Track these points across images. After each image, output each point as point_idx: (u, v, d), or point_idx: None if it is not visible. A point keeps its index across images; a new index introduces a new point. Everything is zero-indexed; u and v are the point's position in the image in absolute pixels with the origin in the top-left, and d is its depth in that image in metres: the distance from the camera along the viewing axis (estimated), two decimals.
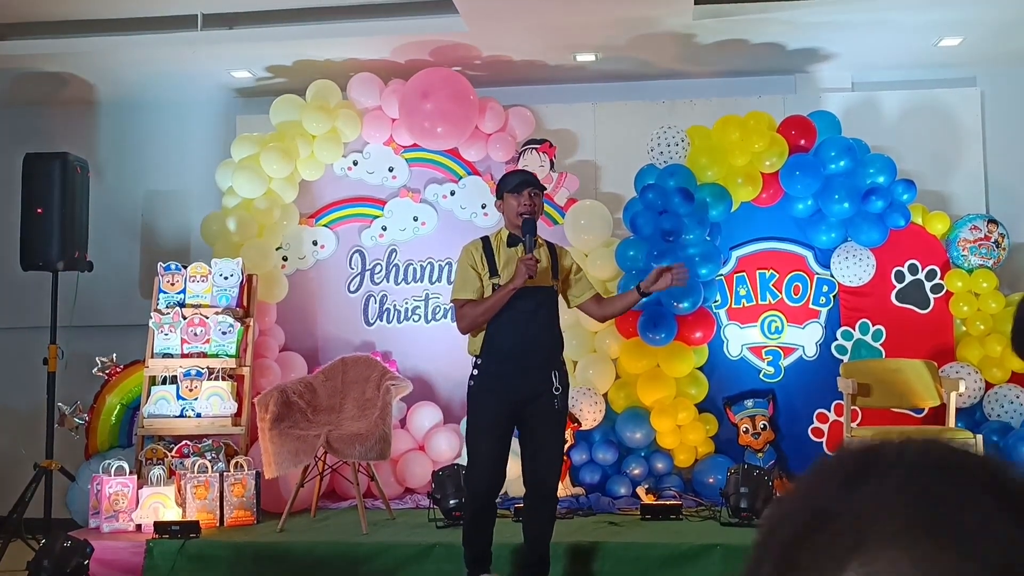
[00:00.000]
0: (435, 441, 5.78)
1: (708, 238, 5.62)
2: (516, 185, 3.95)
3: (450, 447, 5.73)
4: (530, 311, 3.90)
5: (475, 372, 3.95)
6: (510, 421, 3.94)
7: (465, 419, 4.31)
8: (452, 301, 4.05)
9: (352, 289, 6.27)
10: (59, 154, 5.49)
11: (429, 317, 6.19)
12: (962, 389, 5.17)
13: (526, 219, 3.91)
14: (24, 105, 6.76)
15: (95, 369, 5.76)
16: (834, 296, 5.81)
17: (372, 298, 6.23)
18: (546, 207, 6.09)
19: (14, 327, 6.59)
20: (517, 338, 3.89)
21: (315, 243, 6.22)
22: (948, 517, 0.50)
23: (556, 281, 4.04)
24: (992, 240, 5.65)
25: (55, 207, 5.41)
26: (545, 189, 4.21)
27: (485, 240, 4.06)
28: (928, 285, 5.73)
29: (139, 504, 4.89)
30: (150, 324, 5.51)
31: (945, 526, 0.50)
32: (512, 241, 3.98)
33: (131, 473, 5.02)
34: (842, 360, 5.62)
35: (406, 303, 6.21)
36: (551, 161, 6.10)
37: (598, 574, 4.32)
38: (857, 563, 0.50)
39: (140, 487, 4.95)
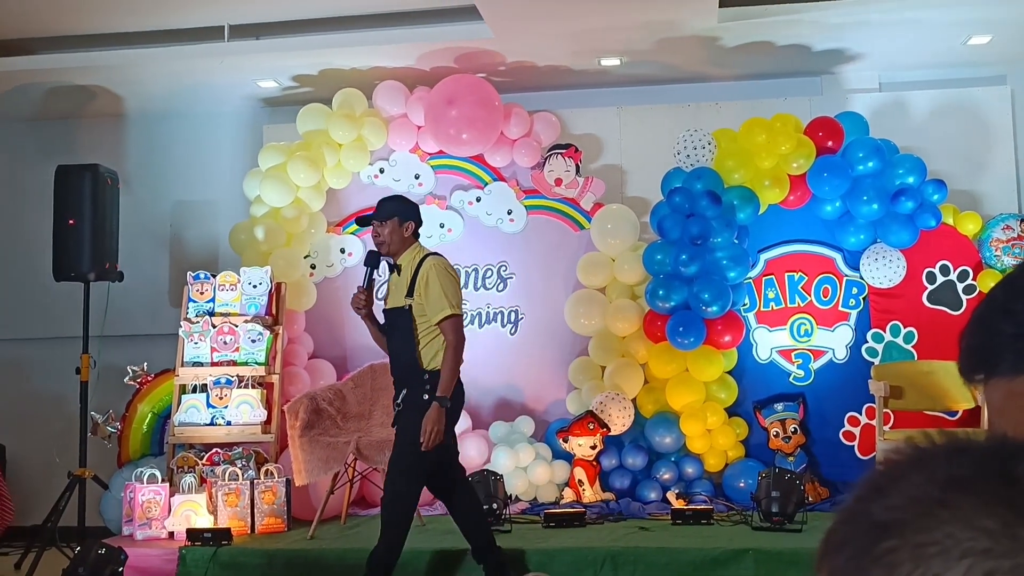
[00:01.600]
0: (464, 447, 5.76)
1: (736, 241, 5.59)
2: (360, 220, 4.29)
3: (479, 453, 5.73)
4: (387, 331, 4.18)
5: (427, 388, 4.07)
6: None
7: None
8: (451, 317, 4.09)
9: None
10: (90, 166, 5.56)
11: None
12: None
13: (370, 252, 4.21)
14: (55, 119, 6.85)
15: (126, 378, 5.81)
16: (864, 298, 5.76)
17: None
18: (572, 212, 6.11)
19: (47, 337, 6.66)
20: (392, 359, 4.20)
21: (343, 251, 6.25)
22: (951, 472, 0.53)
23: (410, 300, 4.10)
24: None
25: (86, 218, 5.47)
26: (377, 221, 4.20)
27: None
28: (960, 286, 5.67)
29: (171, 512, 4.93)
30: (180, 333, 5.55)
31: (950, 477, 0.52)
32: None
33: (163, 481, 5.06)
34: (873, 363, 5.57)
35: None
36: (577, 166, 6.10)
37: None
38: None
39: (172, 495, 4.99)
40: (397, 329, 4.11)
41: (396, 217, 4.16)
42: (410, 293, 4.07)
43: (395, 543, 4.02)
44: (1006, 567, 0.49)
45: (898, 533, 0.52)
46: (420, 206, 6.17)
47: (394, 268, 4.18)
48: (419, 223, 4.23)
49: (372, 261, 4.17)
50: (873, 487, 0.55)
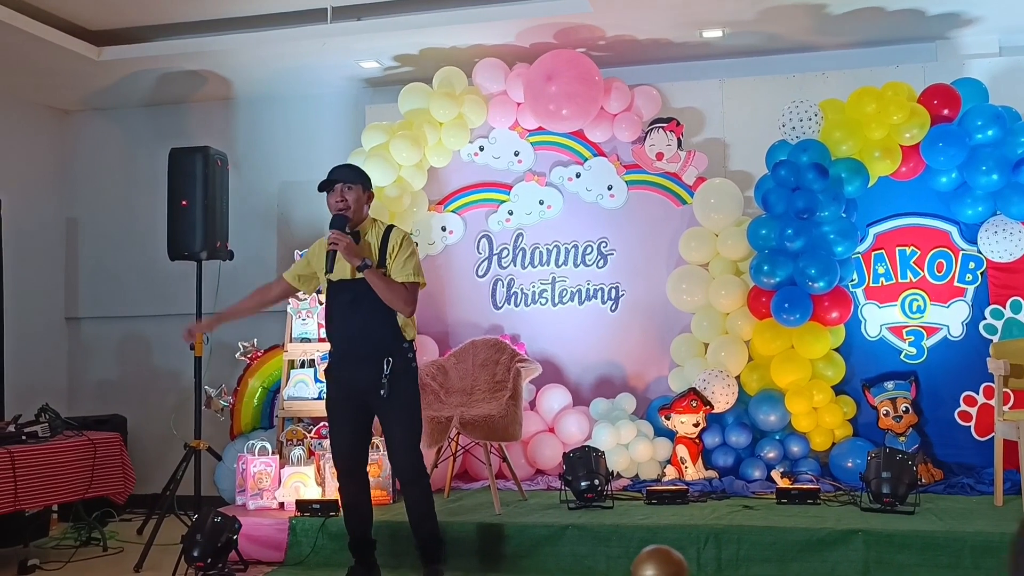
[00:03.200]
0: (564, 423, 5.80)
1: (844, 215, 5.43)
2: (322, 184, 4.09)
3: (580, 429, 5.73)
4: (341, 303, 4.05)
5: (410, 356, 4.08)
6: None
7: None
8: (419, 284, 4.07)
9: (480, 273, 6.33)
10: (200, 148, 5.73)
11: (556, 300, 6.19)
12: None
13: (337, 215, 4.02)
14: (168, 103, 7.10)
15: (238, 354, 6.02)
16: (982, 273, 5.52)
17: (500, 282, 6.28)
18: (674, 186, 6.02)
19: (163, 314, 6.94)
20: (338, 330, 4.08)
21: (444, 229, 6.31)
22: None
23: (382, 268, 4.02)
24: None
25: (198, 199, 5.65)
26: (345, 184, 4.09)
27: None
28: None
29: (281, 483, 5.08)
30: (288, 310, 5.71)
31: None
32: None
33: (273, 453, 5.22)
34: (991, 340, 5.34)
35: (533, 287, 6.23)
36: (678, 140, 6.00)
37: (734, 558, 4.24)
38: None
39: (282, 467, 5.14)
40: (364, 300, 3.98)
41: (360, 184, 4.11)
42: (382, 262, 4.03)
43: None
44: None
45: None
46: (520, 184, 6.25)
47: (351, 236, 4.02)
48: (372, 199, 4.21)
49: (340, 224, 3.99)
50: None
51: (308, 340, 5.67)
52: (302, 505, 4.85)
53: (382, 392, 3.94)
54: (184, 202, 5.64)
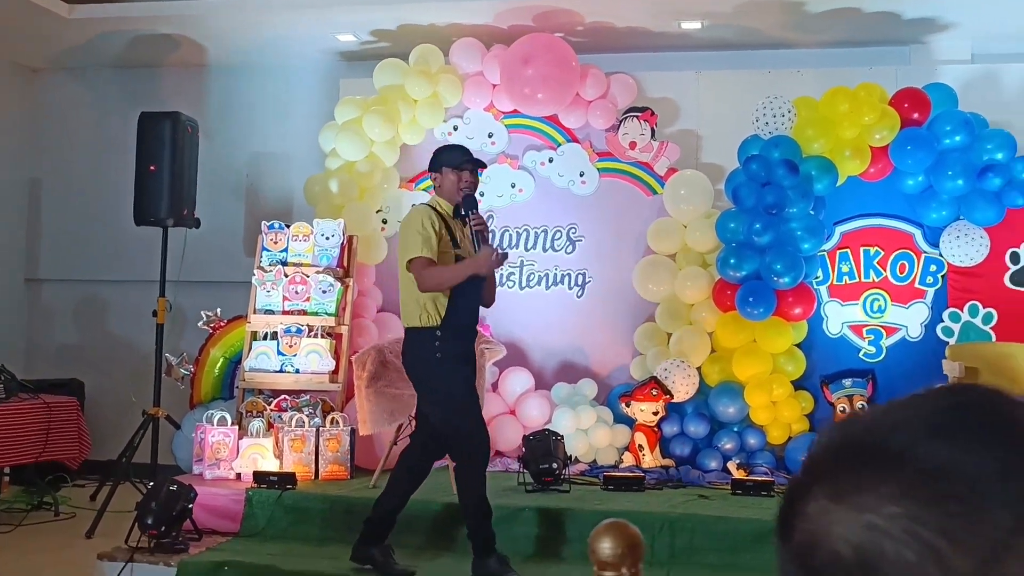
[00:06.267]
0: (526, 406, 5.82)
1: (812, 212, 5.48)
2: (460, 162, 3.94)
3: (540, 413, 5.76)
4: (478, 285, 3.97)
5: (438, 344, 3.86)
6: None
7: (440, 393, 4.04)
8: (414, 259, 3.85)
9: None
10: (171, 113, 5.66)
11: (523, 284, 6.21)
12: None
13: (466, 196, 3.92)
14: (140, 67, 6.99)
15: (200, 323, 5.97)
16: (943, 276, 5.61)
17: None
18: (645, 176, 6.05)
19: (126, 280, 6.87)
20: (474, 312, 4.02)
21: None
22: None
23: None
24: None
25: (166, 165, 5.58)
26: (485, 167, 4.11)
27: (434, 210, 3.96)
28: None
29: (239, 454, 5.06)
30: (253, 281, 5.67)
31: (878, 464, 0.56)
32: (455, 213, 3.97)
33: (232, 424, 5.20)
34: (948, 342, 5.43)
35: (501, 269, 6.23)
36: (652, 129, 6.02)
37: (687, 546, 4.29)
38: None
39: (240, 438, 5.12)
40: (481, 279, 3.98)
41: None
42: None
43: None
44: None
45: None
46: (493, 166, 6.25)
47: (461, 217, 4.00)
48: None
49: (471, 205, 3.94)
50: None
51: (271, 312, 5.63)
52: (259, 477, 4.83)
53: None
54: (152, 167, 5.58)
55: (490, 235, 4.03)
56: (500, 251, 3.93)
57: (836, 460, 0.59)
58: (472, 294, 3.97)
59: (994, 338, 5.43)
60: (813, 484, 0.59)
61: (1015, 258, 5.51)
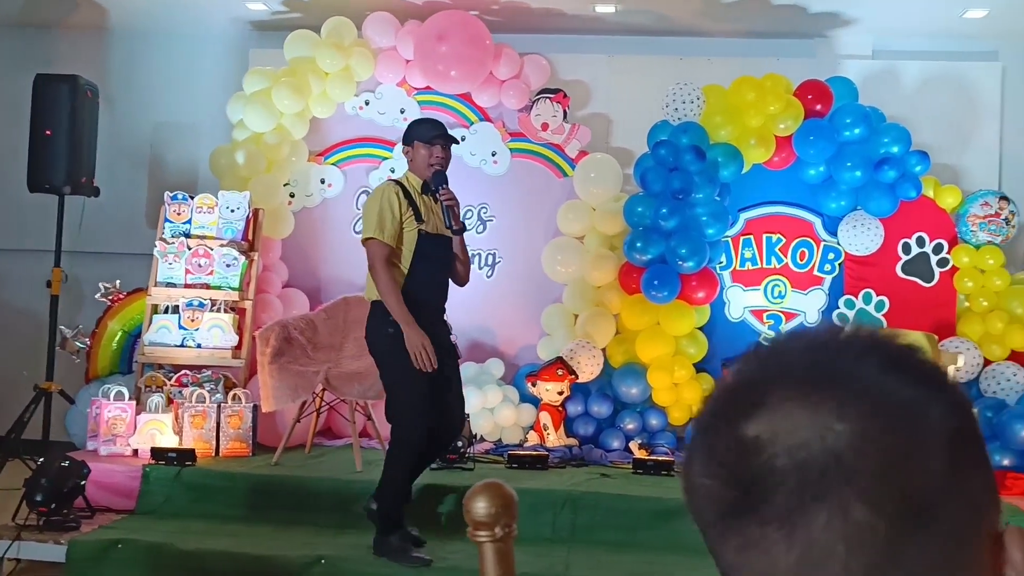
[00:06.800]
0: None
1: (717, 198, 5.60)
2: (431, 137, 3.86)
3: None
4: (443, 262, 3.93)
5: (391, 318, 3.75)
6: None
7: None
8: (369, 239, 3.80)
9: (357, 230, 6.25)
10: (69, 77, 5.44)
11: None
12: (960, 364, 5.18)
13: (436, 171, 3.86)
14: (36, 26, 6.70)
15: (98, 295, 5.78)
16: (839, 264, 5.80)
17: (361, 239, 6.21)
18: (556, 158, 6.08)
19: (18, 249, 6.60)
20: (436, 289, 3.93)
21: (323, 181, 6.21)
22: (834, 373, 0.61)
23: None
24: (1002, 217, 5.63)
25: (63, 130, 5.38)
26: (457, 142, 4.06)
27: (400, 185, 3.90)
28: (934, 259, 5.71)
29: (136, 430, 4.94)
30: (155, 252, 5.51)
31: (831, 379, 0.60)
32: (425, 189, 3.91)
33: (130, 399, 5.06)
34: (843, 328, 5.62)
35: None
36: (564, 112, 6.06)
37: (588, 523, 4.36)
38: (761, 413, 0.60)
39: (138, 413, 4.99)
40: (453, 257, 3.95)
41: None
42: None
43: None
44: (709, 523, 0.59)
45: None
46: None
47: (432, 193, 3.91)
48: None
49: (441, 180, 3.84)
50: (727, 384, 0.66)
51: (173, 285, 5.48)
52: (157, 453, 4.72)
53: (458, 350, 4.00)
54: (48, 131, 5.37)
55: (460, 210, 3.95)
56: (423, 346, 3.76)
57: (786, 371, 0.62)
58: (434, 271, 3.89)
59: (885, 325, 5.65)
60: (760, 390, 0.62)
61: (907, 248, 5.74)
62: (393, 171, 6.18)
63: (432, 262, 3.87)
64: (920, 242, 5.73)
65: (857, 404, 0.58)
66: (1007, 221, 5.62)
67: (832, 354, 0.63)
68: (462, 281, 4.07)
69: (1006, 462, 4.86)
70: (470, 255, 6.07)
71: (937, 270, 5.70)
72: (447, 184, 3.87)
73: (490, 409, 5.64)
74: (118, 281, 5.82)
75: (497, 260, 6.17)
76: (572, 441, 5.57)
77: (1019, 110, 6.17)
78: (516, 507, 0.92)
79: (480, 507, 0.89)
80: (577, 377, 5.58)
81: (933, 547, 0.56)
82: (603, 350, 5.74)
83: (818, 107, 5.64)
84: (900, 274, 5.74)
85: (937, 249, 5.71)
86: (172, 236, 5.54)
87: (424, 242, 3.84)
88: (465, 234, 4.03)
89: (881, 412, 0.58)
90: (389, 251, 3.79)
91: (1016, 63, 6.21)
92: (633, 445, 5.46)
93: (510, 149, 6.15)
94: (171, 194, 5.65)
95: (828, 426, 0.57)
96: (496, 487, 0.91)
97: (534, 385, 5.61)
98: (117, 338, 5.83)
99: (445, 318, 4.02)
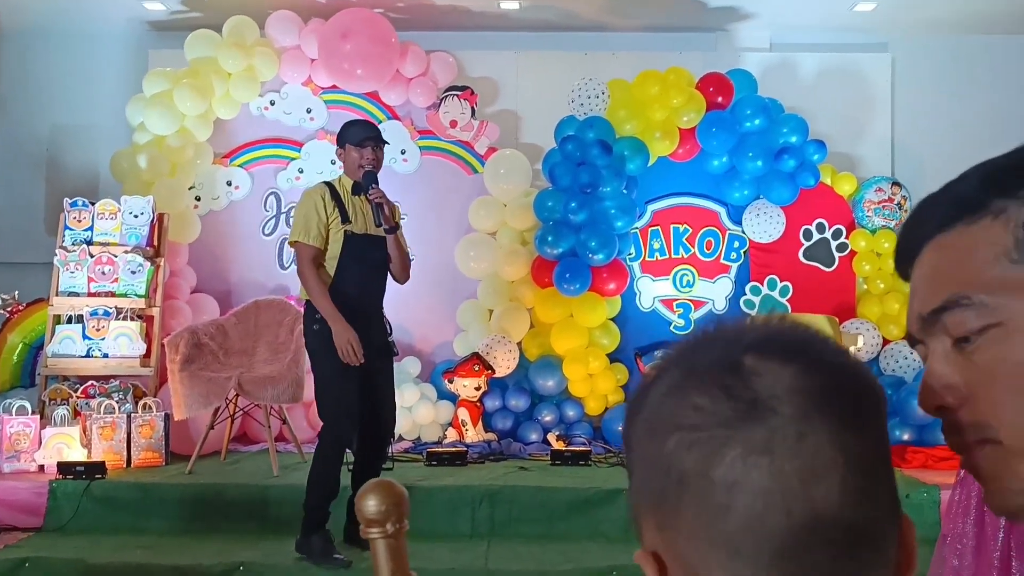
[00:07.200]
0: None
1: (625, 191, 5.69)
2: (361, 139, 3.91)
3: None
4: (375, 261, 3.94)
5: (317, 316, 3.82)
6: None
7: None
8: (295, 242, 3.85)
9: (267, 232, 6.18)
10: None
11: None
12: (860, 344, 5.38)
13: (367, 172, 3.90)
14: None
15: None
16: (745, 252, 5.96)
17: (287, 241, 6.15)
18: (466, 155, 6.10)
19: None
20: (365, 288, 3.94)
21: (229, 184, 6.10)
22: (696, 359, 0.65)
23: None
24: (895, 202, 5.86)
25: None
26: (388, 143, 4.11)
27: (330, 187, 3.94)
28: (834, 244, 5.92)
29: (42, 444, 4.79)
30: (55, 261, 5.35)
31: (694, 363, 0.64)
32: (356, 189, 3.94)
33: (33, 413, 4.91)
34: (750, 314, 5.77)
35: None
36: (472, 109, 6.08)
37: (507, 517, 4.40)
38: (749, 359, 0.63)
39: (43, 427, 4.84)
40: (386, 258, 3.95)
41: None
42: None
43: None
44: (703, 437, 0.60)
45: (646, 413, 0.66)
46: (312, 142, 6.14)
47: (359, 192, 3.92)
48: None
49: (375, 180, 3.87)
50: (648, 377, 0.68)
51: (76, 294, 5.33)
52: (64, 467, 4.59)
53: (395, 351, 4.04)
54: None
55: (391, 208, 3.94)
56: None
57: (768, 338, 0.65)
58: (363, 270, 3.90)
59: (789, 309, 5.83)
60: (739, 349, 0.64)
61: (808, 235, 5.93)
62: (302, 171, 6.12)
63: (362, 262, 3.90)
64: (820, 228, 5.93)
65: (820, 365, 0.63)
66: (900, 206, 5.85)
67: (702, 342, 0.67)
68: (399, 279, 4.10)
69: (905, 436, 5.07)
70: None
71: (837, 255, 5.91)
72: (377, 184, 3.90)
73: (408, 407, 5.64)
74: (16, 292, 5.63)
75: (411, 258, 6.14)
76: (491, 436, 5.61)
77: (908, 99, 6.43)
78: (407, 504, 0.95)
79: (371, 505, 0.93)
80: (494, 372, 5.62)
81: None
82: (518, 344, 5.79)
83: (719, 99, 5.78)
84: (802, 260, 5.93)
85: (836, 235, 5.92)
86: (73, 244, 5.39)
87: (352, 242, 3.87)
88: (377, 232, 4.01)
89: (843, 370, 0.63)
90: (315, 252, 3.85)
91: (904, 54, 6.46)
92: (551, 437, 5.53)
93: (419, 147, 6.14)
94: (71, 200, 5.49)
95: (806, 375, 0.61)
96: (387, 485, 0.95)
97: (451, 382, 5.63)
98: (18, 351, 5.65)
99: (386, 318, 4.07)
